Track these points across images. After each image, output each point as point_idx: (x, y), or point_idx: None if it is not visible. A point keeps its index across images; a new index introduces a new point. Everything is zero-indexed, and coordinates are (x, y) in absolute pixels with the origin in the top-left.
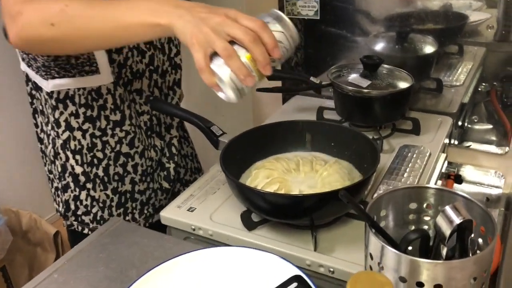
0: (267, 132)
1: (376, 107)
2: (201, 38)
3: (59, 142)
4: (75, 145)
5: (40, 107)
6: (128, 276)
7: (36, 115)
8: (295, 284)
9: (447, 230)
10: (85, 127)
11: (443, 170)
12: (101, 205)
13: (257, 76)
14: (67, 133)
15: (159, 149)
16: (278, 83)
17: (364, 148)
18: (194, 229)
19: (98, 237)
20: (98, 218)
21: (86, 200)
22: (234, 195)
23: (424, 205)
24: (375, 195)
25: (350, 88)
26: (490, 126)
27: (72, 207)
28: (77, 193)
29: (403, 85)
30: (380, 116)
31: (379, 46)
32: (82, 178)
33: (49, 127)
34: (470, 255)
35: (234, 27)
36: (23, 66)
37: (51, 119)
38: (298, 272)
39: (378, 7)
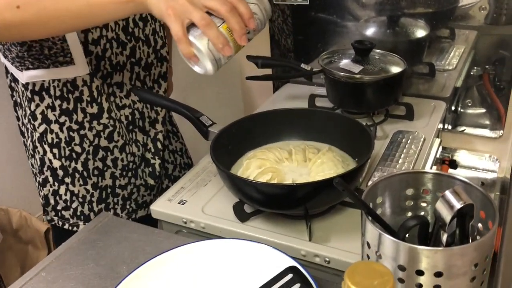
0: (258, 121)
1: (369, 93)
2: (177, 9)
3: (36, 135)
4: (52, 138)
5: (19, 99)
6: (118, 273)
7: (17, 108)
8: (290, 276)
9: (447, 215)
10: (61, 120)
11: (437, 156)
12: (80, 200)
13: (234, 47)
14: (43, 126)
15: (141, 144)
16: (268, 71)
17: (357, 135)
18: (185, 222)
19: (87, 233)
20: (78, 213)
21: (66, 195)
22: (226, 187)
23: (421, 191)
24: (370, 182)
25: (342, 74)
26: (483, 110)
27: (52, 202)
28: (56, 188)
29: (395, 69)
30: (373, 102)
31: (370, 31)
32: (60, 172)
33: (27, 120)
34: (470, 241)
35: None
36: (2, 58)
37: (28, 111)
38: (293, 263)
39: None
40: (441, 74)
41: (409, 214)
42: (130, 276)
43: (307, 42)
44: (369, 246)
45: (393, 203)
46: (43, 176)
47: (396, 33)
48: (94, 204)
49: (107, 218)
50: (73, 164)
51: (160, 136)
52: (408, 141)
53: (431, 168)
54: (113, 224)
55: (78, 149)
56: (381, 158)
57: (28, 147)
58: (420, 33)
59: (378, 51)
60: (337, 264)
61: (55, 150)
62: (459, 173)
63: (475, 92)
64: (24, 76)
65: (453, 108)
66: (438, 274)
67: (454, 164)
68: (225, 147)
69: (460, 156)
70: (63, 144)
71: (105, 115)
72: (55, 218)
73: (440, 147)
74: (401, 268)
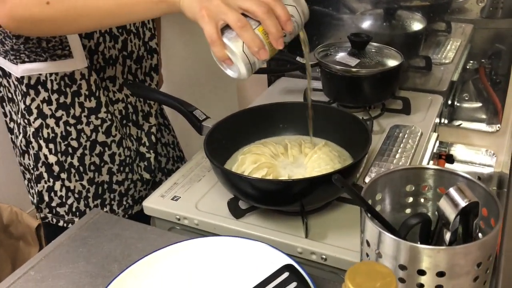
0: (253, 115)
1: (365, 87)
2: (212, 10)
3: (30, 130)
4: (48, 133)
5: (10, 94)
6: (110, 271)
7: (4, 104)
8: (286, 274)
9: (451, 214)
10: (58, 114)
11: (434, 150)
12: (76, 196)
13: (269, 50)
14: (39, 121)
15: (135, 138)
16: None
17: (354, 129)
18: (179, 219)
19: (77, 230)
20: (74, 209)
21: (61, 191)
22: (220, 182)
23: (422, 188)
24: (367, 177)
25: (338, 67)
26: (480, 104)
27: (46, 198)
28: (51, 184)
29: (392, 63)
30: (369, 95)
31: (367, 24)
32: (56, 168)
33: (20, 116)
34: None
35: None
36: None
37: (22, 106)
38: (289, 261)
39: None
40: (437, 67)
41: (408, 211)
42: (122, 275)
43: None
44: (368, 245)
45: (393, 200)
46: (37, 172)
47: (392, 26)
48: (90, 200)
49: (99, 214)
50: (69, 159)
51: (153, 129)
52: (405, 136)
53: (428, 163)
54: (105, 221)
55: (74, 143)
56: (378, 153)
57: (18, 144)
58: (417, 26)
59: (374, 44)
60: (334, 261)
61: (51, 145)
62: (456, 168)
63: (471, 86)
64: (19, 70)
65: (449, 102)
66: (440, 274)
67: (451, 159)
68: (219, 142)
69: (457, 151)
70: (59, 139)
71: (103, 109)
72: (49, 215)
73: (437, 142)
74: (402, 267)
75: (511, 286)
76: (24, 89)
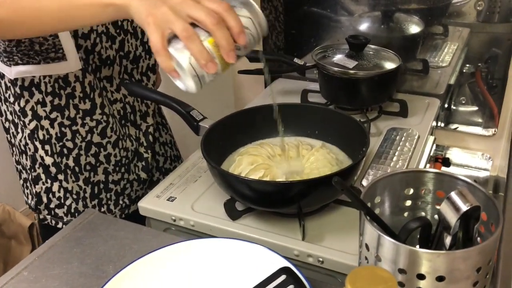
0: (250, 116)
1: (363, 89)
2: (158, 17)
3: (26, 132)
4: (43, 134)
5: (4, 95)
6: (105, 272)
7: (0, 104)
8: (283, 277)
9: (452, 218)
10: (53, 116)
11: (431, 154)
12: (74, 196)
13: (220, 64)
14: (34, 123)
15: (134, 138)
16: (260, 65)
17: (351, 131)
18: (174, 220)
19: (72, 230)
20: (73, 210)
21: (59, 192)
22: (216, 183)
23: (421, 191)
24: (364, 180)
25: (336, 69)
26: (476, 108)
27: (45, 200)
28: (49, 185)
29: (390, 65)
30: (367, 98)
31: (364, 26)
32: (53, 169)
33: (16, 117)
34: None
35: (196, 7)
36: None
37: (16, 108)
38: (286, 263)
39: None
40: (434, 71)
41: (407, 214)
42: (117, 276)
43: (300, 37)
44: (367, 248)
45: (392, 203)
46: (34, 174)
47: (390, 29)
48: (88, 201)
49: (93, 215)
50: (64, 160)
51: (151, 129)
52: (402, 139)
53: (425, 166)
54: (99, 221)
55: (69, 144)
56: (375, 156)
57: (16, 144)
58: (414, 29)
59: (372, 46)
60: (331, 264)
61: (47, 147)
62: (452, 171)
63: (468, 89)
64: (13, 72)
65: (446, 105)
66: (440, 279)
67: (447, 162)
68: (216, 142)
69: (453, 154)
70: (54, 140)
71: (98, 110)
72: (48, 217)
73: (434, 145)
74: (401, 271)
75: None
76: (18, 91)
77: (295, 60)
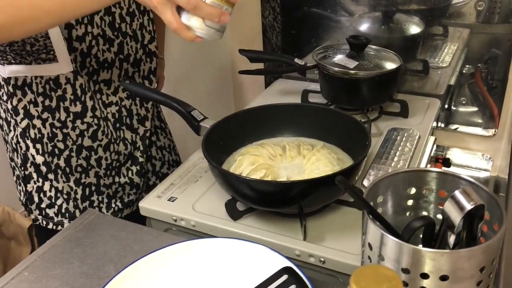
0: (251, 116)
1: (364, 89)
2: None
3: (18, 130)
4: (35, 133)
5: (0, 93)
6: (105, 272)
7: None
8: (285, 277)
9: (456, 217)
10: (44, 116)
11: (431, 154)
12: (65, 196)
13: (229, 8)
14: (26, 121)
15: (129, 142)
16: (261, 66)
17: (352, 131)
18: (175, 220)
19: (72, 230)
20: (63, 211)
21: (50, 191)
22: (217, 183)
23: (423, 190)
24: (365, 180)
25: (337, 69)
26: (476, 109)
27: (36, 199)
28: (40, 184)
29: (390, 66)
30: (367, 98)
31: (365, 27)
32: (43, 168)
33: (9, 115)
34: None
35: None
36: None
37: (9, 106)
38: (288, 263)
39: None
40: (434, 71)
41: (409, 213)
42: (118, 276)
43: (301, 37)
44: (370, 247)
45: (395, 202)
46: (26, 172)
47: (390, 29)
48: (79, 202)
49: (94, 215)
50: (55, 160)
51: (149, 133)
52: (403, 139)
53: (426, 166)
54: (100, 222)
55: (61, 145)
56: (376, 156)
57: (9, 141)
58: (415, 29)
59: (373, 47)
60: (332, 264)
61: (38, 146)
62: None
63: (468, 90)
64: (6, 71)
65: (446, 106)
66: (443, 278)
67: (447, 163)
68: (217, 142)
69: (453, 154)
70: (45, 140)
71: (89, 113)
72: (39, 217)
73: (435, 145)
74: (405, 271)
75: None
76: (11, 90)
77: (296, 60)
